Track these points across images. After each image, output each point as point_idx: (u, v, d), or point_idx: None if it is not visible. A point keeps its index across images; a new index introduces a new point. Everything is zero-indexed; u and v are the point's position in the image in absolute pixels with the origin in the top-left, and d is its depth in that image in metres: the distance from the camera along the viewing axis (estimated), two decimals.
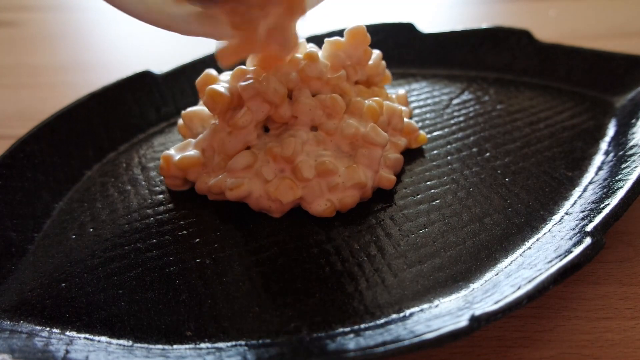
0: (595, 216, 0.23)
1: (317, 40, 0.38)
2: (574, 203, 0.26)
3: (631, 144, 0.28)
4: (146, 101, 0.34)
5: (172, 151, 0.28)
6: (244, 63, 0.29)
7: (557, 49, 0.36)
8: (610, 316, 0.22)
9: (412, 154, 0.30)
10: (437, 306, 0.21)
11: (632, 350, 0.21)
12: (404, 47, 0.39)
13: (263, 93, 0.26)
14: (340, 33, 0.39)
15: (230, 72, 0.28)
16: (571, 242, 0.22)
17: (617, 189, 0.24)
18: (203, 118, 0.29)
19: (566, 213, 0.25)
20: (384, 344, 0.18)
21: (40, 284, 0.24)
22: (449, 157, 0.30)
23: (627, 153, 0.27)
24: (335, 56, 0.29)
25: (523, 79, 0.36)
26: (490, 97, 0.35)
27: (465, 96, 0.35)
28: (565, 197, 0.26)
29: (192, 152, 0.28)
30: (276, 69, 0.27)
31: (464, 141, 0.31)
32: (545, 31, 0.39)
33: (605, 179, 0.26)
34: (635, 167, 0.25)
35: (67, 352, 0.20)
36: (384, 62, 0.32)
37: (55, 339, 0.21)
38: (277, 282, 0.23)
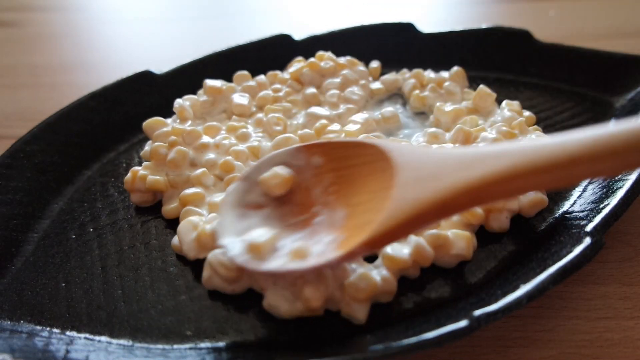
0: (595, 216, 0.23)
1: (317, 39, 0.38)
2: (574, 203, 0.26)
3: None
4: (146, 101, 0.34)
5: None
6: None
7: (557, 49, 0.36)
8: (610, 316, 0.22)
9: None
10: (437, 306, 0.21)
11: (632, 350, 0.21)
12: (404, 47, 0.39)
13: None
14: (340, 33, 0.39)
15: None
16: (571, 242, 0.22)
17: (616, 189, 0.24)
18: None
19: (566, 213, 0.25)
20: (383, 344, 0.18)
21: (41, 284, 0.24)
22: None
23: None
24: None
25: (523, 79, 0.36)
26: None
27: None
28: (565, 197, 0.26)
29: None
30: None
31: None
32: (545, 31, 0.39)
33: (605, 179, 0.26)
34: None
35: (68, 352, 0.20)
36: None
37: (56, 338, 0.21)
38: None
